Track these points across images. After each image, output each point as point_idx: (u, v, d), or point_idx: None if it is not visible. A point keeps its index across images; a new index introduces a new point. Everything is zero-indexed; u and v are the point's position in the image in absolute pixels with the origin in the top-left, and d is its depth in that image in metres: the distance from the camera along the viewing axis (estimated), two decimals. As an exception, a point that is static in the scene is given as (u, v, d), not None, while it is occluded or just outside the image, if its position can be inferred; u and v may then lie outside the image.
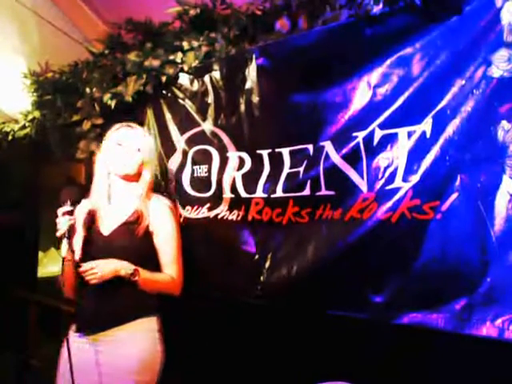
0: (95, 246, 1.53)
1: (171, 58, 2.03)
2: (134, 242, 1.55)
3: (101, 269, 1.44)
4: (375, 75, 1.51)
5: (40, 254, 3.09)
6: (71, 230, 1.42)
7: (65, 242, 1.40)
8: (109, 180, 1.63)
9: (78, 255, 1.48)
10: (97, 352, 1.48)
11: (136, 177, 1.64)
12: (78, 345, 1.49)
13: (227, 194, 1.89)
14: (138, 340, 1.51)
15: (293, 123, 1.71)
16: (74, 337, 1.52)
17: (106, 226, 1.57)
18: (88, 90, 2.34)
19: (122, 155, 1.59)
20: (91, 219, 1.57)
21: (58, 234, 1.41)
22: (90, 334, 1.49)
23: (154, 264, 1.59)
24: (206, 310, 1.98)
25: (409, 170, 1.42)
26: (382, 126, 1.48)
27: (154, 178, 1.71)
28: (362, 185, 1.52)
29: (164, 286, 1.60)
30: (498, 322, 1.23)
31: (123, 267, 1.48)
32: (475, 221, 1.30)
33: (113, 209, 1.61)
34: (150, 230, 1.58)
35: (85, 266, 1.43)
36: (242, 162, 1.85)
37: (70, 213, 1.43)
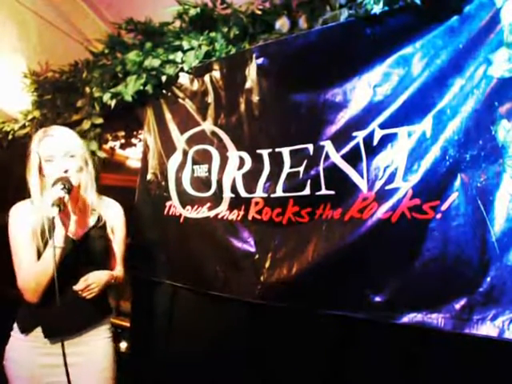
0: (66, 251, 1.46)
1: (171, 57, 2.04)
2: (104, 246, 1.62)
3: (96, 284, 1.48)
4: (375, 75, 1.51)
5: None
6: (61, 203, 1.31)
7: (56, 212, 1.28)
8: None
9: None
10: (68, 354, 1.37)
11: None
12: (43, 349, 1.48)
13: (227, 194, 1.88)
14: (105, 340, 1.61)
15: (293, 123, 1.71)
16: (32, 340, 1.50)
17: (72, 231, 1.50)
18: (88, 89, 2.35)
19: (59, 173, 1.45)
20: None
21: (51, 201, 1.30)
22: (62, 338, 1.38)
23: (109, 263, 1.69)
24: (206, 309, 1.98)
25: (409, 170, 1.42)
26: (382, 126, 1.48)
27: (94, 178, 1.63)
28: (362, 184, 1.51)
29: (119, 282, 1.70)
30: (498, 321, 1.23)
31: (109, 278, 1.56)
32: (475, 221, 1.29)
33: (68, 214, 1.52)
34: (110, 232, 1.65)
35: (80, 285, 1.45)
36: (242, 162, 1.85)
37: (63, 190, 1.35)
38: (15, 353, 1.52)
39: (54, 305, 1.34)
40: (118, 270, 1.70)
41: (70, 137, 1.58)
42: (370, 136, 1.50)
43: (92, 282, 1.47)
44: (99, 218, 1.62)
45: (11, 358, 1.52)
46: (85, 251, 1.54)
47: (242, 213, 1.84)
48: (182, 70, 2.05)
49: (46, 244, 1.46)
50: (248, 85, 1.84)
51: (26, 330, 1.51)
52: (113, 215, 1.68)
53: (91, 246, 1.56)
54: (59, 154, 1.50)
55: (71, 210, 1.49)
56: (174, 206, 2.07)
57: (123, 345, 2.52)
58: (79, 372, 1.48)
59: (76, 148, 1.55)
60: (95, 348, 1.57)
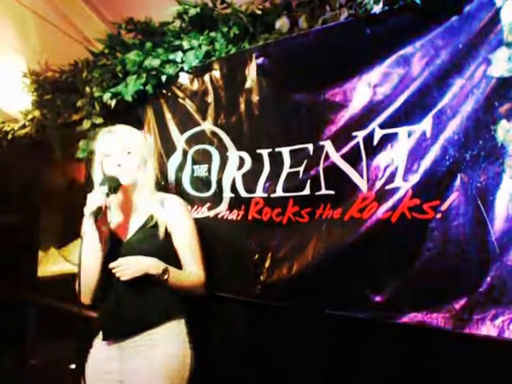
0: (113, 251, 1.46)
1: (171, 57, 2.03)
2: (155, 245, 1.51)
3: (133, 265, 1.40)
4: (375, 74, 1.51)
5: (40, 253, 3.09)
6: (100, 213, 1.31)
7: (91, 221, 1.29)
8: None
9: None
10: (124, 359, 1.41)
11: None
12: (106, 353, 1.45)
13: (227, 194, 1.88)
14: (167, 344, 1.45)
15: (293, 123, 1.70)
16: (100, 345, 1.47)
17: (122, 231, 1.50)
18: (88, 89, 2.34)
19: (113, 168, 1.47)
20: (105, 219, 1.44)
21: (86, 211, 1.30)
22: (118, 340, 1.41)
23: (175, 264, 1.55)
24: (205, 309, 1.98)
25: (409, 170, 1.42)
26: (382, 126, 1.48)
27: (155, 175, 1.63)
28: (362, 184, 1.51)
29: (191, 284, 1.56)
30: (498, 321, 1.23)
31: (154, 265, 1.44)
32: (475, 220, 1.29)
33: (123, 214, 1.53)
34: (169, 230, 1.56)
35: (115, 262, 1.38)
36: (241, 162, 1.85)
37: (106, 195, 1.35)
38: (89, 358, 1.47)
39: (110, 307, 1.35)
40: (193, 273, 1.55)
41: (130, 134, 1.55)
42: (370, 136, 1.50)
43: (127, 260, 1.38)
44: (150, 217, 1.53)
45: (87, 363, 1.47)
46: (132, 252, 1.46)
47: (241, 213, 1.84)
48: (182, 69, 2.05)
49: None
50: (248, 84, 1.84)
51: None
52: (169, 213, 1.57)
53: (140, 246, 1.49)
54: (116, 149, 1.48)
55: (117, 209, 1.47)
56: (174, 206, 2.06)
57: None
58: (134, 379, 1.40)
59: (134, 145, 1.52)
60: (153, 353, 1.42)
